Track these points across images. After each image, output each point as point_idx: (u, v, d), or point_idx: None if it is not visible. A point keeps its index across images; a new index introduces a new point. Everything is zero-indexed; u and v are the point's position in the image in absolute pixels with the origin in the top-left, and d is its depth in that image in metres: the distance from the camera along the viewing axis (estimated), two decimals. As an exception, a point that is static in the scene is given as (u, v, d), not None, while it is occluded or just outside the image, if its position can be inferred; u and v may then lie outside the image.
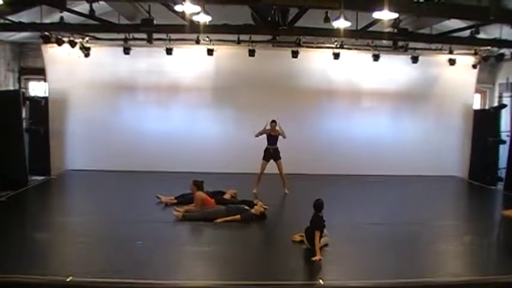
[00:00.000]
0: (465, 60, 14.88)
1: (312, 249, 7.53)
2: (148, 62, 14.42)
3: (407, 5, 9.44)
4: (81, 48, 13.82)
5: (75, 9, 11.13)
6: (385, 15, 8.62)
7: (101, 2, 10.11)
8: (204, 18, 9.20)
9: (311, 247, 7.61)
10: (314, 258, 7.25)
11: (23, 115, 13.73)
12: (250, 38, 13.51)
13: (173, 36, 13.34)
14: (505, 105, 14.96)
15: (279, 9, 10.26)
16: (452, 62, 14.72)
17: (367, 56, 14.36)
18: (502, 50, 13.72)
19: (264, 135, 12.09)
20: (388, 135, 15.13)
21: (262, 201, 10.18)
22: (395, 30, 11.23)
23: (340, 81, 14.98)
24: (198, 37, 13.18)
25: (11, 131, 12.94)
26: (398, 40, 12.50)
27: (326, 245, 7.82)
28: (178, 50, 14.09)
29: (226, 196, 10.71)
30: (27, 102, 14.24)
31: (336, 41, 13.80)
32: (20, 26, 11.41)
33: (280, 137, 12.06)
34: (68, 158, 14.64)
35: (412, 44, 13.87)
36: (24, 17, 11.34)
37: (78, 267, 6.72)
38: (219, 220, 9.33)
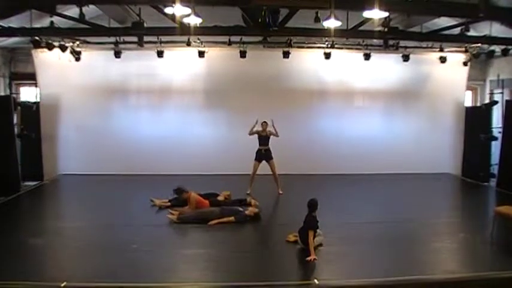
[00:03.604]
0: (456, 58, 14.96)
1: (306, 250, 7.54)
2: (140, 65, 14.39)
3: (397, 4, 9.48)
4: (71, 53, 13.78)
5: (65, 13, 11.12)
6: (376, 14, 8.64)
7: (91, 6, 10.07)
8: (194, 20, 9.18)
9: (305, 247, 7.62)
10: (308, 258, 7.26)
11: (15, 120, 13.65)
12: (241, 39, 13.51)
13: (164, 38, 13.34)
14: (496, 102, 15.01)
15: (269, 10, 10.25)
16: (443, 59, 14.79)
17: (358, 55, 14.41)
18: (493, 47, 13.79)
19: (256, 135, 12.09)
20: (381, 133, 15.18)
21: (255, 199, 10.20)
22: (386, 29, 11.23)
23: (332, 81, 15.01)
24: (189, 39, 13.15)
25: (3, 136, 12.88)
26: (389, 39, 12.51)
27: (320, 244, 7.85)
28: (170, 53, 14.10)
29: (220, 198, 10.72)
30: (19, 107, 14.14)
31: (326, 41, 13.82)
32: (10, 31, 11.34)
33: (272, 137, 12.06)
34: (61, 163, 14.58)
35: (402, 43, 13.91)
36: (13, 22, 11.28)
37: (72, 272, 6.71)
38: (213, 222, 9.32)
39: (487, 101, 15.79)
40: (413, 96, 15.31)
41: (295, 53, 14.17)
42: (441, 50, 14.55)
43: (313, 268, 7.11)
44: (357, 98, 15.42)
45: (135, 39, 12.69)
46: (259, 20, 10.71)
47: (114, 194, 12.32)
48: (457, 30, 12.03)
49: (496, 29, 12.07)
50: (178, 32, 10.96)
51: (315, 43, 14.15)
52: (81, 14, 10.38)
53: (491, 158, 15.11)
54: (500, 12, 10.15)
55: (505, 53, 13.30)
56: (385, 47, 13.31)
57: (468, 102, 16.30)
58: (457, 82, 15.35)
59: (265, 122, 12.04)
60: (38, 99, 14.41)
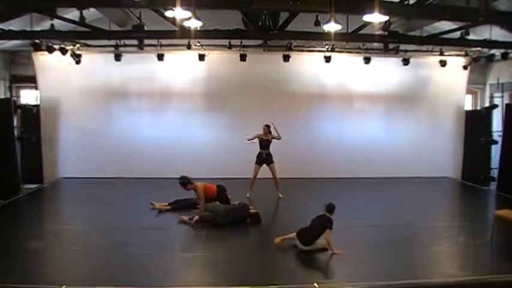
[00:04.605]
0: (456, 62, 14.96)
1: (307, 251, 7.57)
2: (140, 68, 14.37)
3: (397, 7, 9.49)
4: (72, 56, 13.79)
5: (66, 16, 11.13)
6: (376, 18, 8.63)
7: (91, 9, 10.09)
8: (194, 24, 9.17)
9: (306, 248, 7.67)
10: (334, 252, 7.59)
11: (15, 123, 13.67)
12: (241, 42, 13.52)
13: (164, 42, 13.33)
14: (496, 106, 15.03)
15: (269, 13, 10.27)
16: (443, 63, 14.80)
17: (358, 58, 14.42)
18: (492, 51, 13.81)
19: (256, 139, 12.08)
20: (381, 137, 15.16)
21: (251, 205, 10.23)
22: (386, 33, 11.26)
23: (332, 84, 15.01)
24: (189, 42, 13.17)
25: (3, 139, 12.89)
26: (389, 42, 12.55)
27: (325, 248, 7.85)
28: (170, 56, 14.10)
29: None
30: (19, 110, 14.17)
31: (327, 45, 13.84)
32: (10, 34, 11.36)
33: (273, 141, 12.05)
34: (61, 166, 14.58)
35: (403, 46, 13.93)
36: (14, 25, 11.30)
37: (72, 276, 6.71)
38: None
39: (487, 104, 15.80)
40: (413, 100, 15.30)
41: (295, 56, 14.17)
42: (441, 54, 14.56)
43: (313, 271, 7.11)
44: (357, 102, 15.38)
45: (135, 42, 12.70)
46: (260, 24, 10.75)
47: (114, 197, 12.32)
48: (457, 34, 12.04)
49: (496, 33, 12.08)
50: (178, 35, 10.97)
51: (315, 46, 14.15)
52: (82, 17, 10.41)
53: (491, 162, 15.13)
54: (500, 16, 10.13)
55: (504, 56, 13.34)
56: (385, 51, 13.33)
57: (468, 106, 16.29)
58: (457, 86, 15.34)
59: (267, 125, 12.02)
60: (38, 102, 14.42)
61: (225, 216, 9.57)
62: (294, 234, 8.05)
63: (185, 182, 10.02)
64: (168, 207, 10.68)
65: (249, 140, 11.98)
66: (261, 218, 9.83)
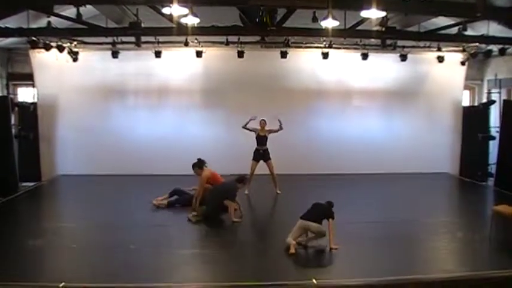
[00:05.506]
0: (453, 57, 14.95)
1: (305, 247, 7.72)
2: (137, 65, 14.37)
3: (394, 3, 9.49)
4: (69, 53, 13.73)
5: (62, 13, 11.09)
6: (373, 14, 8.65)
7: (88, 6, 10.06)
8: (192, 20, 9.17)
9: (318, 224, 7.78)
10: (332, 247, 7.66)
11: (12, 121, 13.64)
12: (239, 39, 13.50)
13: (161, 38, 13.31)
14: (493, 101, 15.05)
15: (266, 9, 10.25)
16: (440, 59, 14.78)
17: (356, 55, 14.42)
18: (490, 47, 13.79)
19: (253, 134, 12.08)
20: (379, 133, 15.17)
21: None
22: (384, 29, 11.24)
23: (330, 80, 15.01)
24: (186, 39, 13.14)
25: (0, 137, 12.87)
26: (387, 38, 12.51)
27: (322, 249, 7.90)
28: (167, 53, 14.06)
29: None
30: (16, 108, 14.13)
31: (324, 41, 13.83)
32: (7, 31, 11.30)
33: (270, 136, 12.07)
34: (59, 163, 14.57)
35: (400, 42, 13.92)
36: (11, 22, 11.25)
37: (70, 273, 6.69)
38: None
39: (484, 100, 15.81)
40: (411, 95, 15.31)
41: (292, 52, 14.14)
42: (439, 50, 14.54)
43: (311, 267, 7.11)
44: (355, 98, 15.37)
45: (132, 39, 12.67)
46: (257, 20, 10.71)
47: (112, 195, 12.31)
48: (454, 30, 12.02)
49: (494, 29, 12.07)
50: (175, 32, 10.95)
51: (312, 43, 14.14)
52: (78, 14, 10.38)
53: (489, 158, 15.16)
54: (497, 12, 10.16)
55: (502, 52, 13.31)
56: (383, 47, 13.30)
57: (466, 102, 16.29)
58: (455, 81, 15.35)
59: (263, 120, 12.03)
60: (36, 100, 14.39)
61: (211, 201, 9.66)
62: (299, 223, 7.99)
63: (195, 164, 10.45)
64: (165, 202, 10.71)
65: (244, 127, 11.97)
66: (246, 177, 10.08)
